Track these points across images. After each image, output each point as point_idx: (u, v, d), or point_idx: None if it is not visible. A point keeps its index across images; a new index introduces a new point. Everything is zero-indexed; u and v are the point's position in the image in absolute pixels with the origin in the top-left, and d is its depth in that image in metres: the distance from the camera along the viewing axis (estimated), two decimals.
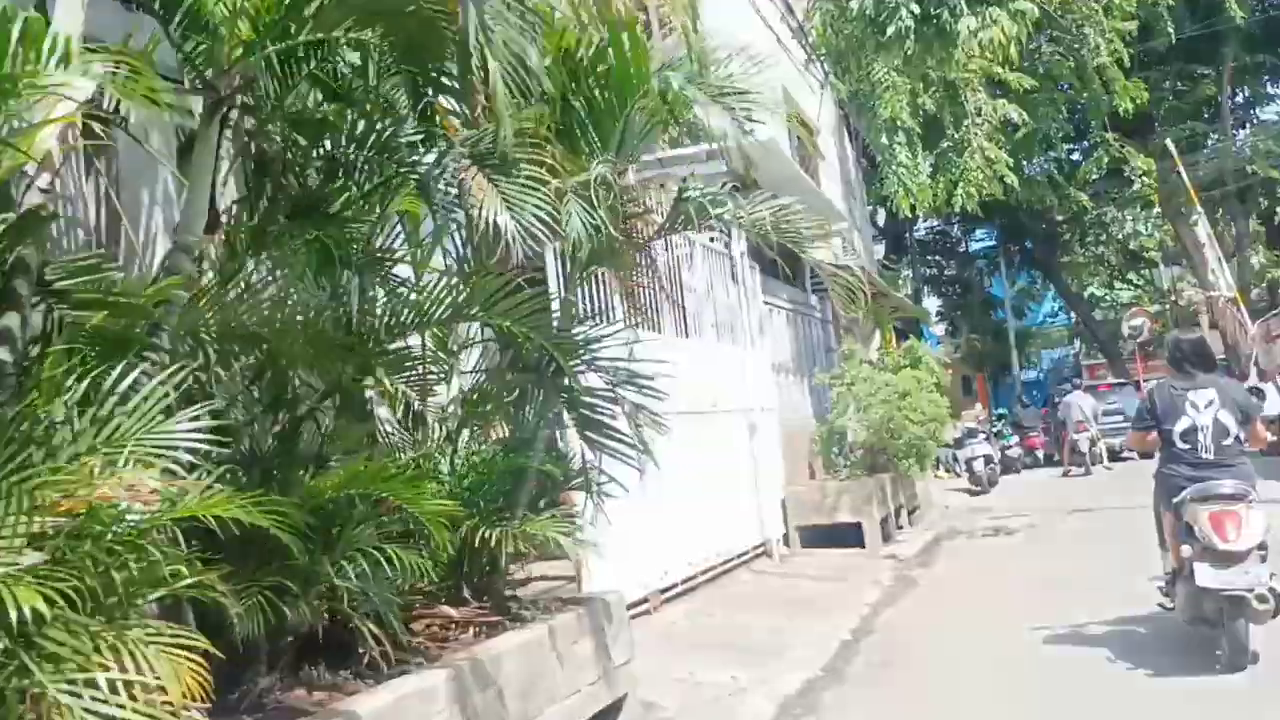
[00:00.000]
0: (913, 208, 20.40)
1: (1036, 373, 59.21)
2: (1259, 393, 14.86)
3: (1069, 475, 20.74)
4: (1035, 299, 40.03)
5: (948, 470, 22.32)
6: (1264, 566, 5.57)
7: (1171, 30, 24.40)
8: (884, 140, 19.72)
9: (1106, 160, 22.91)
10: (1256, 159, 27.37)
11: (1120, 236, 38.01)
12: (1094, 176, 23.87)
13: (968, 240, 39.05)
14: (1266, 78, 30.16)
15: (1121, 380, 32.55)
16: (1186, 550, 5.73)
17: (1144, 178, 23.13)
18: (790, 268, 14.92)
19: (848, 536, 11.04)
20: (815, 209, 8.43)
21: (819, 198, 14.22)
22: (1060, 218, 35.20)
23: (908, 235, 31.82)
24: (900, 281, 31.25)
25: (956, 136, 20.42)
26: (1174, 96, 26.80)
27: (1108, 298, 44.94)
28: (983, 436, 19.24)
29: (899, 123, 19.39)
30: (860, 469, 11.83)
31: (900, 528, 12.68)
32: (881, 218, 30.94)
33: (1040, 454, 24.55)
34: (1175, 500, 5.91)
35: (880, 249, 31.90)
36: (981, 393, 36.14)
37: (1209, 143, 28.18)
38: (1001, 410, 24.52)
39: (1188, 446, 5.93)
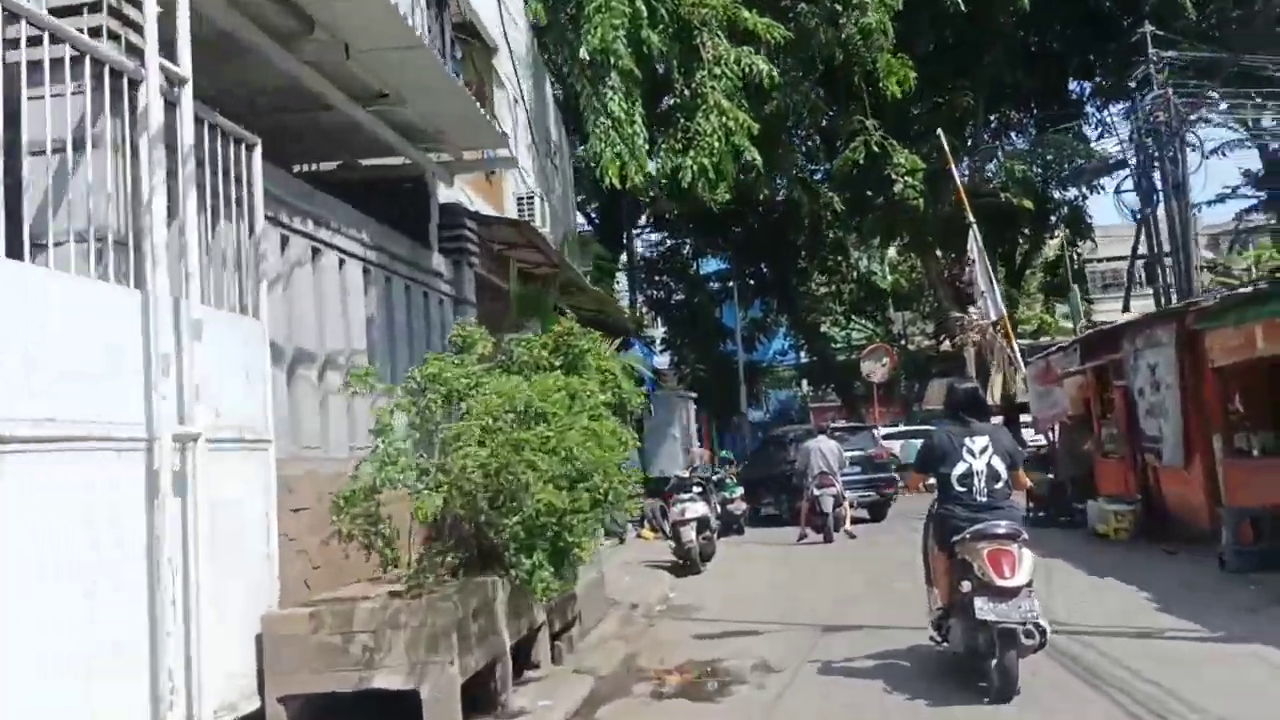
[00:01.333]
0: (624, 179, 15.11)
1: (764, 413, 56.66)
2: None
3: (804, 540, 16.06)
4: (767, 331, 36.36)
5: (653, 529, 17.12)
6: (1033, 602, 5.98)
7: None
8: (588, 80, 14.38)
9: (865, 153, 18.67)
10: (1011, 185, 24.53)
11: (860, 269, 35.18)
12: (852, 169, 19.59)
13: (699, 260, 34.79)
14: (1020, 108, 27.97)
15: (856, 424, 29.16)
16: (965, 586, 6.12)
17: (908, 177, 19.14)
18: (406, 208, 9.12)
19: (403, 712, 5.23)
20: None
21: (471, 107, 8.56)
22: (800, 241, 31.76)
23: (626, 235, 26.66)
24: (615, 284, 26.19)
25: (687, 92, 15.42)
26: (932, 106, 23.50)
27: (840, 336, 42.44)
28: (698, 490, 14.08)
29: (612, 59, 14.12)
30: (448, 562, 6.01)
31: (536, 664, 7.01)
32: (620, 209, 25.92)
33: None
34: (954, 539, 6.30)
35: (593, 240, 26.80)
36: (706, 434, 31.78)
37: (963, 161, 25.10)
38: (726, 453, 19.61)
39: (964, 489, 6.39)
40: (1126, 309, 20.98)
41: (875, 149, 18.40)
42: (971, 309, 20.61)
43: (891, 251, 43.03)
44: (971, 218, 18.70)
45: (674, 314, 33.56)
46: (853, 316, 36.22)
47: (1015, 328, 21.68)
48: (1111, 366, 14.29)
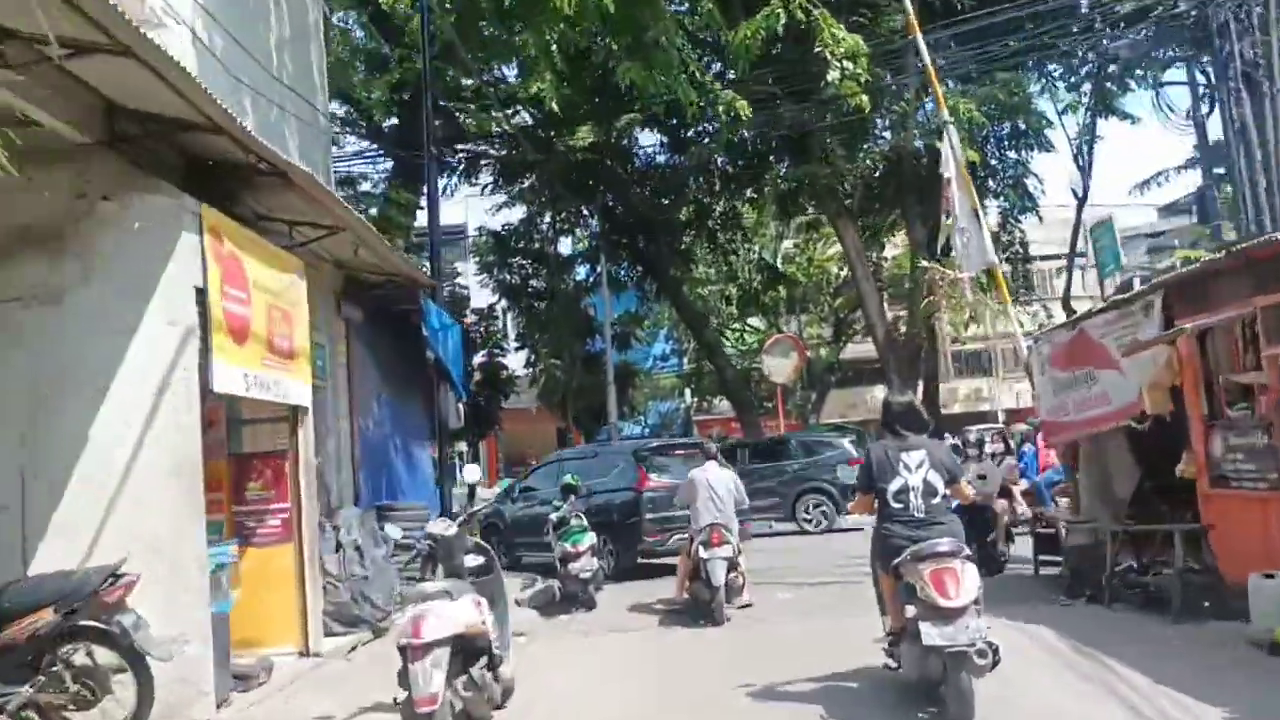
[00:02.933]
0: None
1: (642, 427, 50.25)
2: (960, 450, 12.34)
3: (675, 612, 9.71)
4: (643, 329, 29.98)
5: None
6: (980, 620, 5.76)
7: None
8: None
9: (784, 20, 12.34)
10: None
11: (755, 252, 29.18)
12: (766, 47, 13.22)
13: (558, 238, 28.07)
14: None
15: (746, 442, 22.98)
16: (910, 610, 6.01)
17: (846, 63, 12.92)
18: None
19: None
20: None
21: None
22: (683, 212, 25.55)
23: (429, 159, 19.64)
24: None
25: None
26: None
27: (731, 339, 36.37)
28: (474, 569, 7.17)
29: None
30: None
31: None
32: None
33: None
34: (895, 562, 6.11)
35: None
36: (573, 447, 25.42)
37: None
38: (573, 478, 12.93)
39: (900, 506, 6.19)
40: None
41: (800, 15, 12.12)
42: (935, 265, 14.42)
43: (787, 244, 37.53)
44: (947, 114, 12.58)
45: (531, 305, 26.78)
46: (747, 312, 29.86)
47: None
48: (1245, 326, 8.15)
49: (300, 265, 8.63)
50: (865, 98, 13.83)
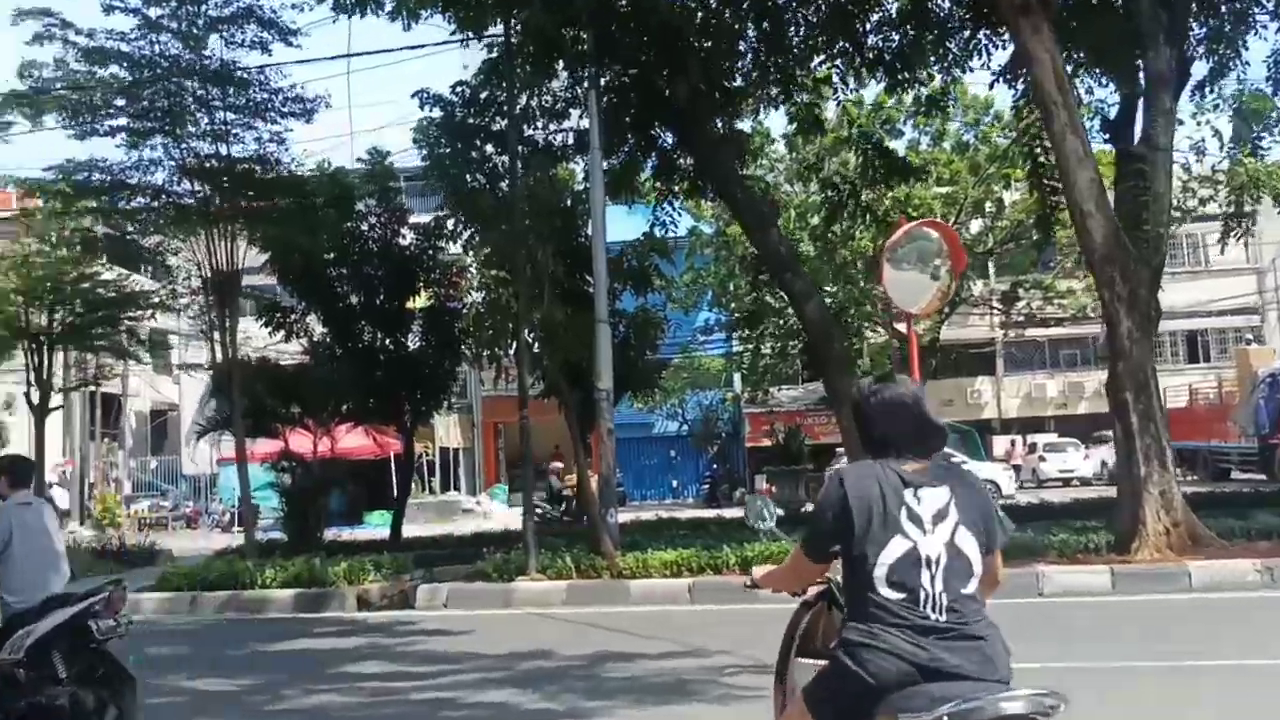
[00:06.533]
0: None
1: (680, 423, 39.77)
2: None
3: None
4: (666, 259, 18.89)
5: None
6: None
7: None
8: None
9: None
10: None
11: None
12: None
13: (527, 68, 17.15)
14: None
15: None
16: None
17: None
18: None
19: None
20: None
21: None
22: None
23: None
24: None
25: None
26: None
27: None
28: None
29: None
30: None
31: None
32: None
33: None
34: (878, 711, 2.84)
35: None
36: (595, 461, 14.73)
37: None
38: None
39: (901, 596, 2.87)
40: None
41: None
42: None
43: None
44: None
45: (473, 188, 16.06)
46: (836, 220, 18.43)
47: None
48: None
49: None
50: None
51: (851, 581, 2.97)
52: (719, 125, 15.27)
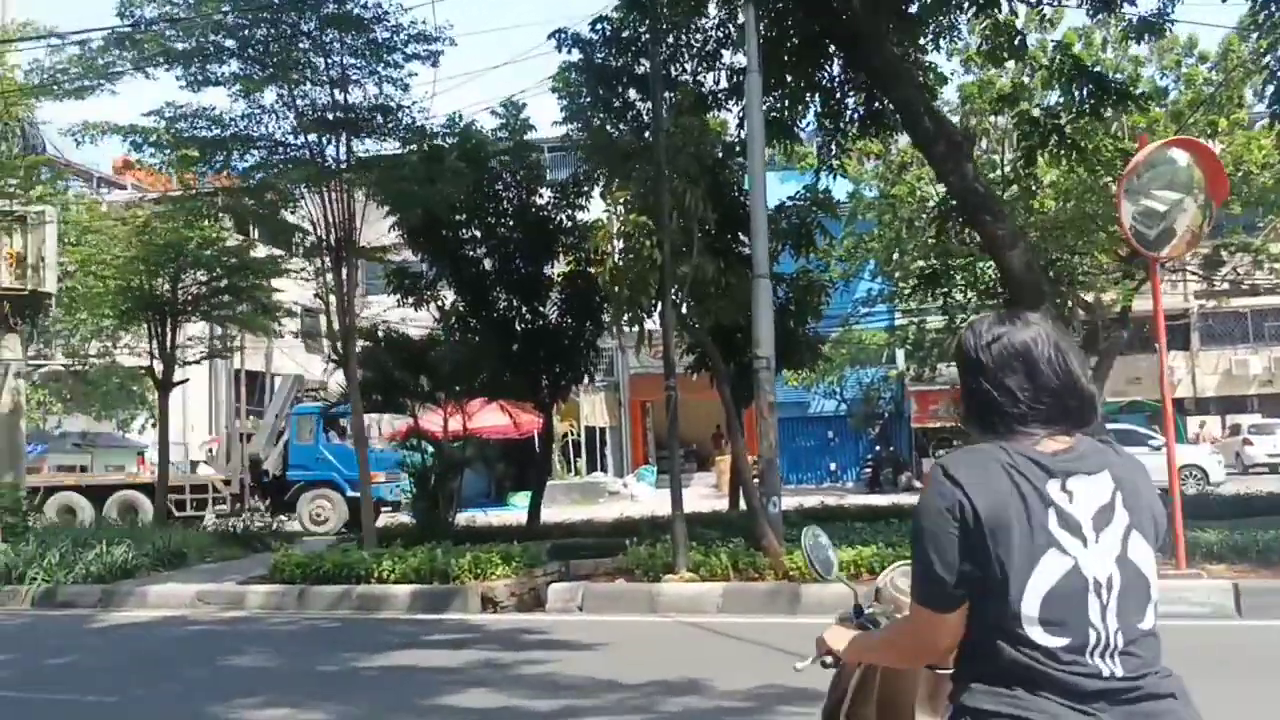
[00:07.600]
0: None
1: (838, 401, 37.31)
2: None
3: None
4: (832, 216, 16.39)
5: None
6: None
7: None
8: None
9: None
10: None
11: None
12: None
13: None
14: None
15: None
16: None
17: None
18: None
19: None
20: None
21: None
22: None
23: None
24: None
25: None
26: None
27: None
28: None
29: None
30: None
31: None
32: None
33: None
34: None
35: None
36: (751, 438, 12.55)
37: None
38: None
39: (1065, 644, 1.82)
40: None
41: None
42: None
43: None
44: None
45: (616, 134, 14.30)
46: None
47: None
48: None
49: None
50: None
51: (978, 623, 1.93)
52: (900, 46, 12.96)
